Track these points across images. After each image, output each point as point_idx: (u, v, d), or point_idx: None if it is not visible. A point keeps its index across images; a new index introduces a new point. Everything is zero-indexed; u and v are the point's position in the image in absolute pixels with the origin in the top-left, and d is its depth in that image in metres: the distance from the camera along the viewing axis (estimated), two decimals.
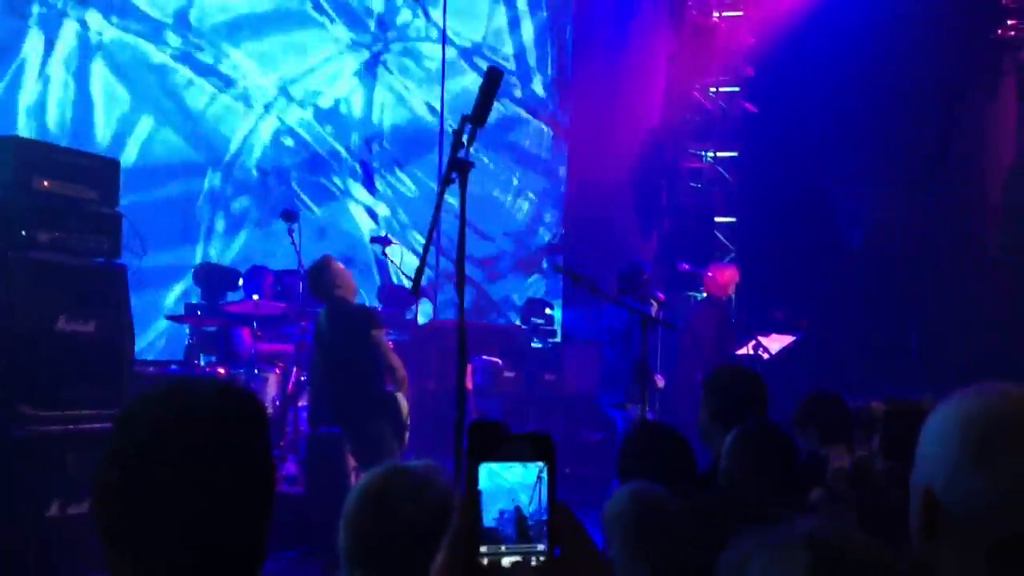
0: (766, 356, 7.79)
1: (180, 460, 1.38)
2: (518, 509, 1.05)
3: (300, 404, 7.23)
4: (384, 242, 7.68)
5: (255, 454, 1.45)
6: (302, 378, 7.29)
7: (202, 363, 7.29)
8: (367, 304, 6.91)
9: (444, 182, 3.26)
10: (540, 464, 1.06)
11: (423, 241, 3.34)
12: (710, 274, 8.58)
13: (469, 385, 7.01)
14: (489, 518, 1.05)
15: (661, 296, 6.96)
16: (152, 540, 1.38)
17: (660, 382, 7.23)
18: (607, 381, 7.39)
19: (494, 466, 1.06)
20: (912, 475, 1.46)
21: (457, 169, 3.20)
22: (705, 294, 9.15)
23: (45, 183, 5.03)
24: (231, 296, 8.01)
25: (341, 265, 6.76)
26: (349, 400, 6.45)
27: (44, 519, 4.78)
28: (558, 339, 10.50)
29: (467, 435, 1.06)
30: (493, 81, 3.23)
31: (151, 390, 1.45)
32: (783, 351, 8.05)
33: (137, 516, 1.38)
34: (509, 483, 1.06)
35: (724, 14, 11.44)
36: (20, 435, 4.68)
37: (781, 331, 8.23)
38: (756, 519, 2.41)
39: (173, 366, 6.79)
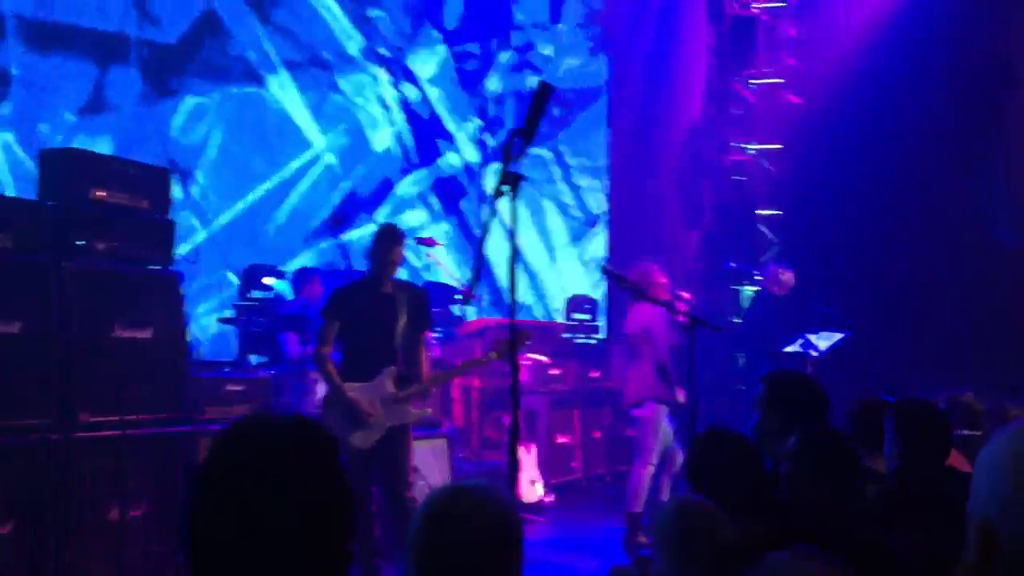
0: (814, 354, 7.73)
1: (263, 488, 1.48)
2: None
3: None
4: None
5: (330, 484, 1.55)
6: None
7: (253, 363, 7.37)
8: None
9: (496, 194, 3.26)
10: None
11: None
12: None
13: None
14: None
15: (686, 295, 6.78)
16: (232, 560, 1.47)
17: (681, 395, 6.91)
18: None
19: None
20: (968, 505, 1.44)
21: (509, 182, 3.20)
22: (756, 290, 9.06)
23: (99, 193, 5.13)
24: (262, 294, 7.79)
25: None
26: None
27: (104, 522, 4.89)
28: (602, 336, 10.48)
29: None
30: (544, 96, 3.20)
31: (242, 420, 1.60)
32: (831, 349, 7.97)
33: (218, 537, 1.47)
34: None
35: (764, 5, 11.34)
36: (79, 440, 4.79)
37: (829, 328, 8.13)
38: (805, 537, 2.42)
39: (226, 368, 6.86)
